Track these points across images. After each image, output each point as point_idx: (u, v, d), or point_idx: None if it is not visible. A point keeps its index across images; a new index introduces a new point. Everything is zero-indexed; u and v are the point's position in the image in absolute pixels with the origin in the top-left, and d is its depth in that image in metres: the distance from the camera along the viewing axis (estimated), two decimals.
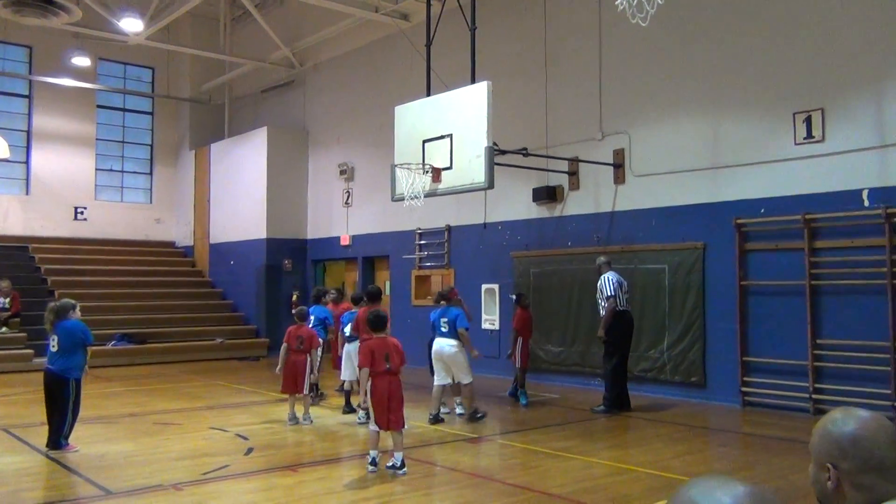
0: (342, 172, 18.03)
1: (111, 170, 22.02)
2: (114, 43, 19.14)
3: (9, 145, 17.19)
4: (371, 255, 17.52)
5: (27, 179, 20.43)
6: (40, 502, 6.02)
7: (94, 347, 16.34)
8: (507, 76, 13.33)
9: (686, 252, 11.24)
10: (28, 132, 20.46)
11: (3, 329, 15.88)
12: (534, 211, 13.56)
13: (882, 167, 9.31)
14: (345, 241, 18.03)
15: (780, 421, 9.40)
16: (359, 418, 9.35)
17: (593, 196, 12.63)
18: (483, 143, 10.10)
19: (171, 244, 22.54)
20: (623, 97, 12.18)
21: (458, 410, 9.94)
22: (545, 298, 13.19)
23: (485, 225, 14.52)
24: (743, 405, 10.43)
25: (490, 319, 14.28)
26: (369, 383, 6.75)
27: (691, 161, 11.24)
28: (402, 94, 13.14)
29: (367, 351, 6.80)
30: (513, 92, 13.29)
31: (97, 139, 21.56)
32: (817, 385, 9.70)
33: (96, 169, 21.50)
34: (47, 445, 7.65)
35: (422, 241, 15.98)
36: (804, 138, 9.96)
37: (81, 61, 19.11)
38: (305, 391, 9.50)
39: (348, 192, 18.00)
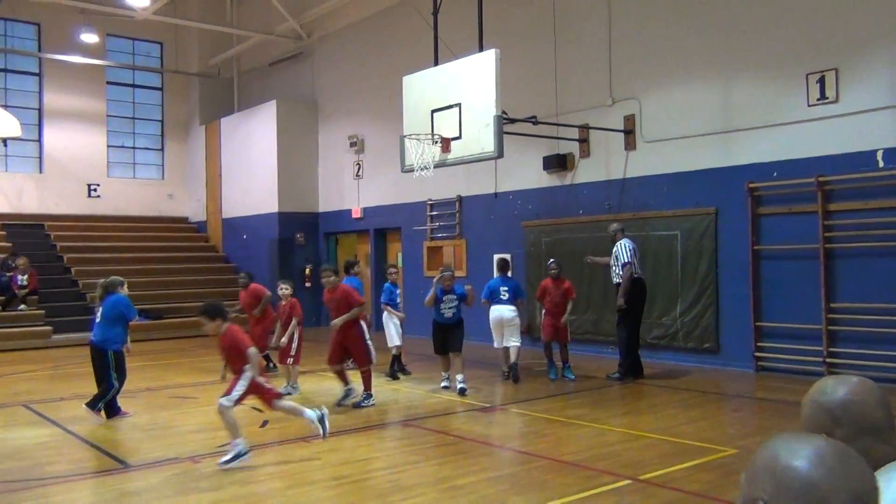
0: (352, 145, 17.98)
1: (123, 146, 22.08)
2: (121, 18, 19.10)
3: (21, 123, 17.24)
4: (383, 227, 17.52)
5: (40, 158, 20.53)
6: (61, 475, 6.13)
7: None
8: (515, 43, 13.18)
9: (698, 218, 11.16)
10: (40, 110, 20.51)
11: (22, 306, 16.07)
12: (544, 179, 13.48)
13: None
14: (356, 214, 18.04)
15: (794, 385, 9.38)
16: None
17: (604, 163, 12.54)
18: (492, 111, 10.02)
19: (184, 219, 22.64)
20: (633, 62, 12.03)
21: (460, 385, 9.49)
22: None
23: (496, 194, 14.47)
24: (757, 370, 10.41)
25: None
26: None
27: (703, 126, 11.12)
28: (410, 63, 13.02)
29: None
30: (521, 59, 13.15)
31: (108, 115, 21.60)
32: (831, 349, 9.66)
33: (108, 146, 21.57)
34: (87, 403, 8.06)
35: (433, 213, 15.95)
36: (817, 99, 9.82)
37: (89, 38, 19.08)
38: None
39: (359, 164, 17.96)
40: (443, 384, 9.81)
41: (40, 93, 20.55)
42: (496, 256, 14.31)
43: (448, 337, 9.62)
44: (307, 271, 18.95)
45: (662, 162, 11.65)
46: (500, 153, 10.27)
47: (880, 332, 9.22)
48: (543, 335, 10.78)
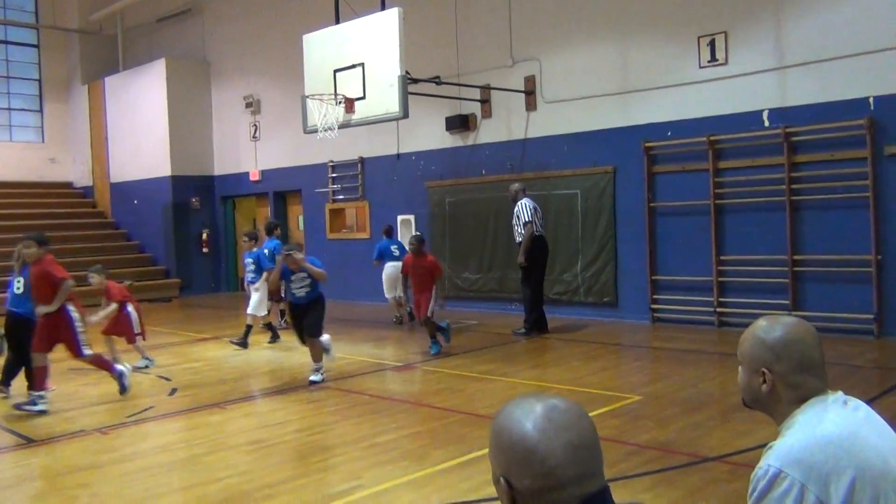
0: (248, 105, 17.48)
1: None
2: None
3: None
4: (282, 189, 17.20)
5: None
6: None
7: None
8: (417, 2, 13.07)
9: (597, 176, 11.51)
10: None
11: None
12: (447, 140, 13.55)
13: (781, 88, 9.70)
14: (254, 177, 17.62)
15: (687, 335, 9.91)
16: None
17: (506, 124, 12.70)
18: (396, 71, 9.96)
19: (68, 184, 21.49)
20: (533, 23, 12.18)
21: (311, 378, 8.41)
22: (461, 227, 13.33)
23: (398, 156, 14.45)
24: (653, 321, 10.93)
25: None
26: None
27: (601, 86, 11.41)
28: (310, 22, 12.73)
29: None
30: (424, 19, 13.07)
31: None
32: (721, 299, 10.24)
33: None
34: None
35: (334, 174, 15.77)
36: (708, 61, 10.25)
37: None
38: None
39: (255, 125, 17.50)
40: (311, 378, 7.93)
41: None
42: (400, 218, 14.36)
43: (302, 320, 8.02)
44: (204, 237, 18.45)
45: (562, 122, 11.91)
46: (405, 113, 10.24)
47: (765, 282, 9.85)
48: (415, 315, 9.80)
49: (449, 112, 13.22)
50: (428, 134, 13.74)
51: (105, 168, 20.29)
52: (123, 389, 7.39)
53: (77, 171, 21.42)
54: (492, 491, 4.56)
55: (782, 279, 9.68)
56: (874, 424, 1.85)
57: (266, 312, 10.71)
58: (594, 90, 11.49)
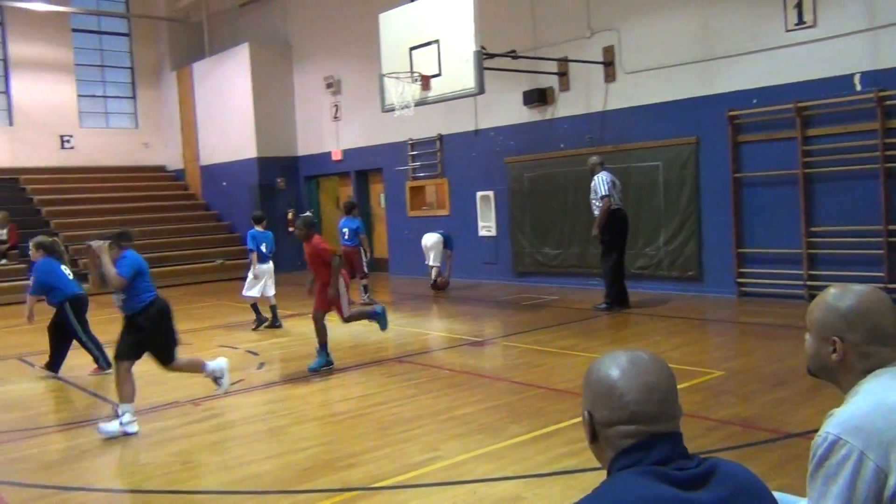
0: (329, 86, 17.76)
1: (93, 96, 21.64)
2: None
3: None
4: (363, 168, 17.46)
5: (9, 110, 20.09)
6: (63, 422, 6.22)
7: None
8: None
9: (679, 147, 11.24)
10: (5, 61, 20.00)
11: (3, 261, 15.96)
12: (525, 115, 13.46)
13: (873, 50, 9.23)
14: (336, 156, 17.93)
15: (775, 309, 9.63)
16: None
17: (584, 96, 12.53)
18: (471, 47, 9.96)
19: (161, 168, 22.38)
20: None
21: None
22: (540, 202, 13.27)
23: (476, 132, 14.45)
24: (739, 296, 10.65)
25: (487, 226, 14.39)
26: None
27: (682, 55, 11.11)
28: (387, 0, 12.81)
29: None
30: None
31: (76, 65, 21.09)
32: (811, 272, 9.89)
33: (78, 95, 21.12)
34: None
35: (414, 152, 15.90)
36: (795, 24, 9.83)
37: None
38: None
39: (336, 105, 17.78)
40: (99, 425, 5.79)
41: (4, 43, 20.00)
42: (479, 194, 14.40)
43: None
44: (289, 216, 18.90)
45: (643, 93, 11.66)
46: (480, 89, 10.24)
47: (858, 254, 9.45)
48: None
49: (526, 86, 13.12)
50: (505, 109, 13.68)
51: (195, 151, 21.03)
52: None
53: (169, 155, 22.27)
54: (568, 464, 4.60)
55: (877, 250, 9.26)
56: None
57: (258, 295, 10.50)
58: (675, 59, 11.19)
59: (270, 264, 10.84)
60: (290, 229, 18.72)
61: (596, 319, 9.92)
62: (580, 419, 1.59)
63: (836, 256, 9.69)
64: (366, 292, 12.15)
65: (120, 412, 5.77)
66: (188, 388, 7.13)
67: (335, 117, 17.84)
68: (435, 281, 13.45)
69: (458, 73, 10.27)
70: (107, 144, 21.36)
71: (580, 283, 12.58)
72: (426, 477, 4.54)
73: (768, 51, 10.13)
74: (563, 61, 12.50)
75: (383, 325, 8.20)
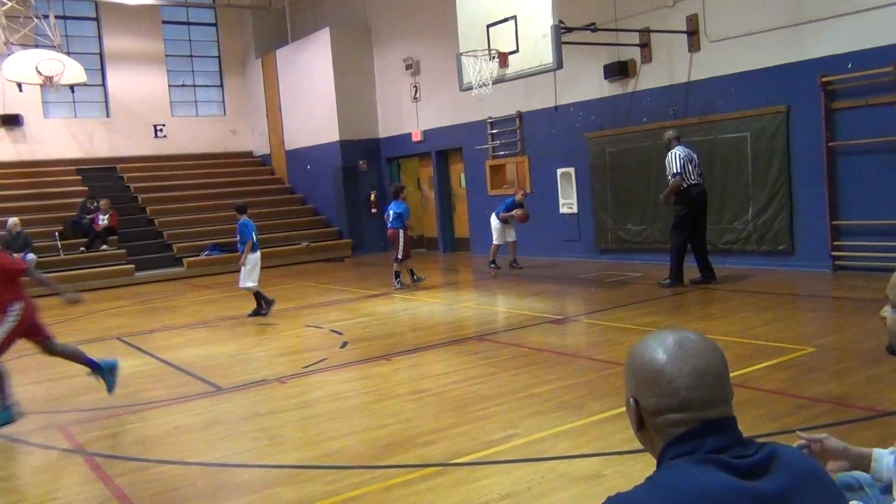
0: (408, 67, 17.84)
1: (183, 85, 22.39)
2: None
3: (85, 69, 17.61)
4: (444, 148, 17.50)
5: (106, 102, 21.01)
6: (160, 399, 6.52)
7: (190, 258, 17.12)
8: None
9: (768, 117, 10.81)
10: (101, 55, 20.88)
11: (104, 246, 16.76)
12: (606, 89, 13.20)
13: None
14: (416, 137, 18.03)
15: (873, 283, 9.17)
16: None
17: (667, 67, 12.18)
18: (549, 21, 9.83)
19: (248, 154, 23.02)
20: None
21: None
22: (623, 178, 13.02)
23: (556, 108, 14.26)
24: (834, 270, 10.22)
25: (568, 203, 14.24)
26: None
27: (770, 20, 10.65)
28: None
29: None
30: None
31: (167, 55, 21.85)
32: None
33: (169, 85, 21.89)
34: None
35: (493, 130, 15.83)
36: None
37: None
38: None
39: (416, 86, 17.85)
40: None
41: (100, 37, 20.88)
42: (560, 171, 14.23)
43: None
44: (372, 197, 19.18)
45: (729, 61, 11.25)
46: (559, 64, 10.10)
47: None
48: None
49: (607, 59, 12.84)
50: (586, 83, 13.45)
51: (280, 136, 21.52)
52: None
53: (255, 141, 22.87)
54: None
55: None
56: None
57: (255, 284, 10.36)
58: (763, 24, 10.74)
59: (258, 253, 10.51)
60: (374, 210, 19.04)
61: (682, 296, 9.70)
62: None
63: None
64: (397, 277, 12.07)
65: None
66: (276, 367, 7.35)
67: (415, 98, 17.92)
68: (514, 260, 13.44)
69: (536, 48, 10.16)
70: (196, 132, 22.10)
71: (664, 259, 12.23)
72: (505, 454, 4.55)
73: (862, 12, 9.60)
74: (645, 32, 12.18)
75: (109, 386, 6.34)
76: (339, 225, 19.51)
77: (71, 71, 16.12)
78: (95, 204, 17.22)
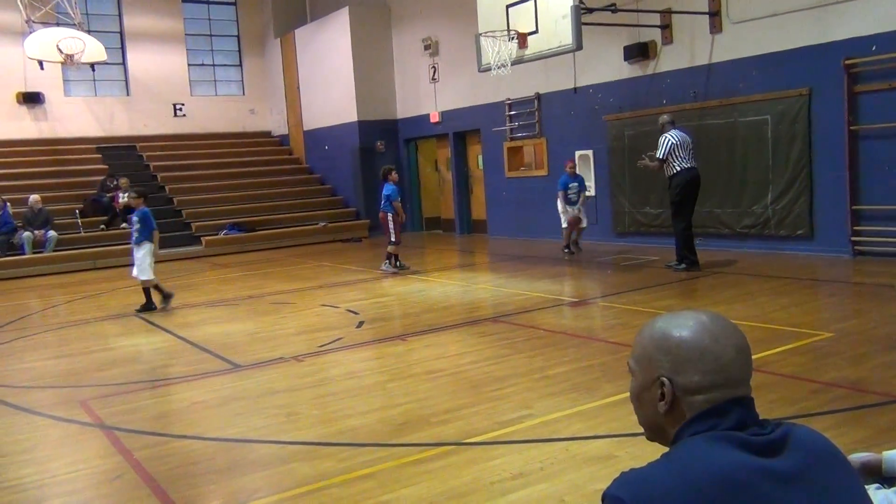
0: (426, 48, 17.78)
1: (203, 64, 22.43)
2: None
3: (105, 48, 17.70)
4: (461, 129, 17.46)
5: (126, 80, 21.10)
6: (178, 376, 6.60)
7: (208, 237, 17.23)
8: None
9: (790, 100, 10.69)
10: (121, 33, 20.95)
11: (124, 224, 16.89)
12: (625, 70, 13.10)
13: None
14: (434, 118, 17.99)
15: (893, 269, 9.11)
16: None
17: (688, 49, 12.06)
18: (569, 2, 9.75)
19: (267, 133, 23.07)
20: None
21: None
22: None
23: (575, 90, 14.16)
24: (854, 255, 10.14)
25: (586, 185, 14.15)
26: None
27: (793, 1, 10.51)
28: None
29: None
30: None
31: (186, 34, 21.89)
32: None
33: (189, 64, 21.95)
34: None
35: (512, 112, 15.77)
36: None
37: None
38: None
39: (434, 67, 17.79)
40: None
41: (120, 16, 20.94)
42: (578, 153, 14.16)
43: None
44: None
45: (751, 43, 11.12)
46: (578, 45, 10.04)
47: None
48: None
49: (627, 41, 12.74)
50: (605, 65, 13.35)
51: (298, 116, 21.55)
52: None
53: (274, 121, 22.91)
54: None
55: None
56: None
57: (152, 276, 9.82)
58: (786, 6, 10.60)
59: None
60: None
61: (699, 280, 9.66)
62: None
63: None
64: (388, 259, 11.98)
65: None
66: (293, 346, 7.42)
67: (433, 79, 17.86)
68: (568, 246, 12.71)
69: (556, 29, 10.09)
70: (216, 111, 22.16)
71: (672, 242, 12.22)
72: (518, 434, 4.58)
73: None
74: (667, 13, 12.06)
75: None
76: (356, 205, 19.55)
77: (91, 49, 16.19)
78: (115, 182, 17.36)
